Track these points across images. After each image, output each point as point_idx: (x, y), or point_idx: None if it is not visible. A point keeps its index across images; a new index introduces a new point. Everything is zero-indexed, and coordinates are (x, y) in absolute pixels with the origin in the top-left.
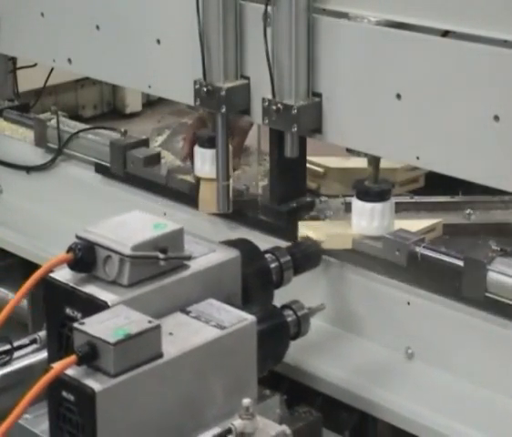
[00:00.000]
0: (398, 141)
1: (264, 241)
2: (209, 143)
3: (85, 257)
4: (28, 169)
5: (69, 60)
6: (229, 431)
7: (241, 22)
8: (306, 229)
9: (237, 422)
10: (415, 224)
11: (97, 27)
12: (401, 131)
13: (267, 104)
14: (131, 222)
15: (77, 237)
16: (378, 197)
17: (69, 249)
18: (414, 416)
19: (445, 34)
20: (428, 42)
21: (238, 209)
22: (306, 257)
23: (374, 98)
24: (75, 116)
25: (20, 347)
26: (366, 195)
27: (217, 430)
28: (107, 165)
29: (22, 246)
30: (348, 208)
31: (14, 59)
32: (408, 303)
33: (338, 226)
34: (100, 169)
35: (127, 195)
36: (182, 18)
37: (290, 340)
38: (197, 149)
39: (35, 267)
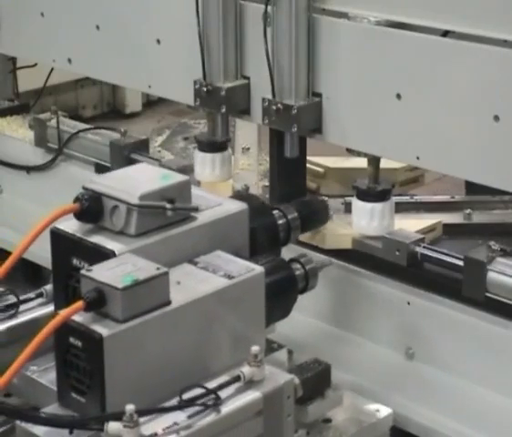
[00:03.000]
0: (398, 141)
1: None
2: (209, 147)
3: (91, 207)
4: (28, 169)
5: (69, 60)
6: (237, 378)
7: (241, 22)
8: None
9: (245, 369)
10: (415, 224)
11: (97, 27)
12: (401, 131)
13: (267, 104)
14: (138, 173)
15: (84, 187)
16: (378, 197)
17: (76, 199)
18: (414, 416)
19: (445, 34)
20: (428, 42)
21: None
22: (313, 214)
23: (374, 98)
24: (75, 116)
25: (26, 300)
26: (366, 195)
27: (225, 377)
28: (107, 165)
29: None
30: (348, 208)
31: (14, 59)
32: (408, 303)
33: (338, 226)
34: (100, 169)
35: None
36: (182, 18)
37: (298, 293)
38: (197, 153)
39: (35, 267)
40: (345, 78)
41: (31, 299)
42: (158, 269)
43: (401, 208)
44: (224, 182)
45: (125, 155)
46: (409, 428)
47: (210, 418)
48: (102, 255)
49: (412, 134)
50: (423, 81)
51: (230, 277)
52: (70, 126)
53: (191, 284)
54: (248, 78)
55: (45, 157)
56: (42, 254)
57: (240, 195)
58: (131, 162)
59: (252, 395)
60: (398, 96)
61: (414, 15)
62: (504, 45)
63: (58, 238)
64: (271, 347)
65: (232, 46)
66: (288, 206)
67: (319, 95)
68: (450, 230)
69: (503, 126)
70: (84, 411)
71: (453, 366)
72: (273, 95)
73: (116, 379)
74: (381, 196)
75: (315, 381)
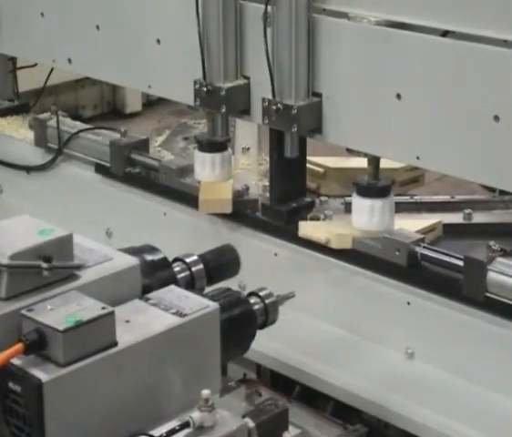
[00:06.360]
0: (398, 141)
1: (264, 241)
2: (209, 147)
3: None
4: (28, 169)
5: (69, 60)
6: (186, 424)
7: (241, 22)
8: (306, 229)
9: (195, 415)
10: (415, 224)
11: (97, 27)
12: (401, 131)
13: (267, 104)
14: (15, 228)
15: None
16: (378, 193)
17: None
18: (414, 416)
19: (445, 34)
20: (428, 42)
21: (238, 209)
22: (221, 265)
23: (374, 98)
24: (75, 116)
25: None
26: (366, 191)
27: (175, 423)
28: (107, 165)
29: None
30: (348, 208)
31: (14, 59)
32: (408, 303)
33: (338, 226)
34: (100, 169)
35: (126, 195)
36: (182, 18)
37: (257, 328)
38: (197, 153)
39: None
40: (345, 78)
41: None
42: (103, 308)
43: (401, 208)
44: (224, 182)
45: (125, 155)
46: (409, 428)
47: None
48: None
49: (412, 134)
50: (423, 81)
51: (182, 314)
52: (70, 126)
53: (141, 323)
54: (248, 78)
55: (45, 157)
56: None
57: (134, 248)
58: (131, 162)
59: None
60: (398, 96)
61: (414, 15)
62: (504, 45)
63: None
64: (227, 386)
65: (232, 46)
66: (193, 256)
67: (319, 95)
68: (450, 230)
69: (503, 126)
70: None
71: (453, 366)
72: (273, 95)
73: (57, 426)
74: (381, 192)
75: (272, 424)
